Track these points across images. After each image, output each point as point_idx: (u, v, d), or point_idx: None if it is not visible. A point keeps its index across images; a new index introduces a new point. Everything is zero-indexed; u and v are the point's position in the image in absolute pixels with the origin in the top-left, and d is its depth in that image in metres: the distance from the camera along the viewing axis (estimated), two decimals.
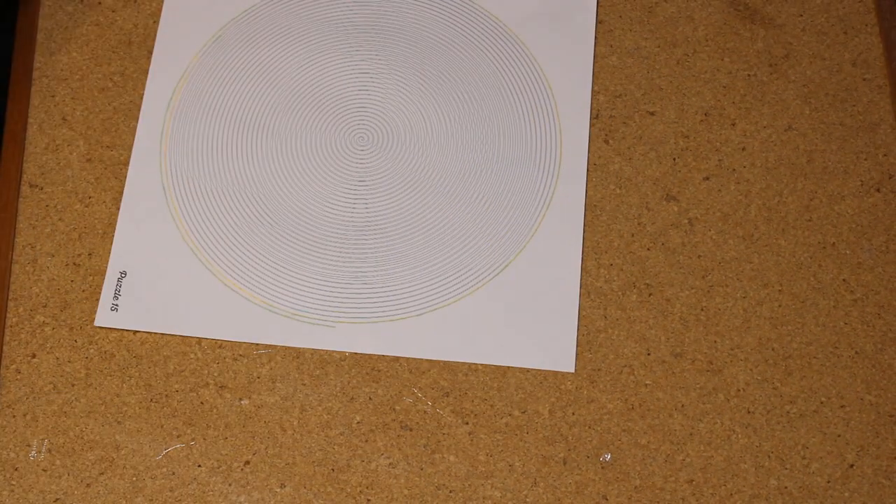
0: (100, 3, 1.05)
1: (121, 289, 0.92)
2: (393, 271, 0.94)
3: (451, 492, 0.86)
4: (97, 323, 0.91)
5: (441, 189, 0.97)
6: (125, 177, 0.97)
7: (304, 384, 0.89)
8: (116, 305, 0.91)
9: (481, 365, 0.90)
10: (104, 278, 0.92)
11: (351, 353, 0.90)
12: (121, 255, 0.93)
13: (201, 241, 0.94)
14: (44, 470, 0.87)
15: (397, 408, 0.89)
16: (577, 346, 0.91)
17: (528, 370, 0.90)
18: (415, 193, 0.97)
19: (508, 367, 0.90)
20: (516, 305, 0.92)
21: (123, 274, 0.92)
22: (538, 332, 0.91)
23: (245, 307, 0.92)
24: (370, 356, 0.90)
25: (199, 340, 0.91)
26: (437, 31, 1.04)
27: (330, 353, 0.90)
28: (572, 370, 0.90)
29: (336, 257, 0.94)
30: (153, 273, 0.93)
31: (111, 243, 0.94)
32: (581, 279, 0.93)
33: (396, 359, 0.90)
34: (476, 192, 0.97)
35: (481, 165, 0.98)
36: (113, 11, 1.04)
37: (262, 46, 1.02)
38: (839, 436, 0.88)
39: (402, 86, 1.01)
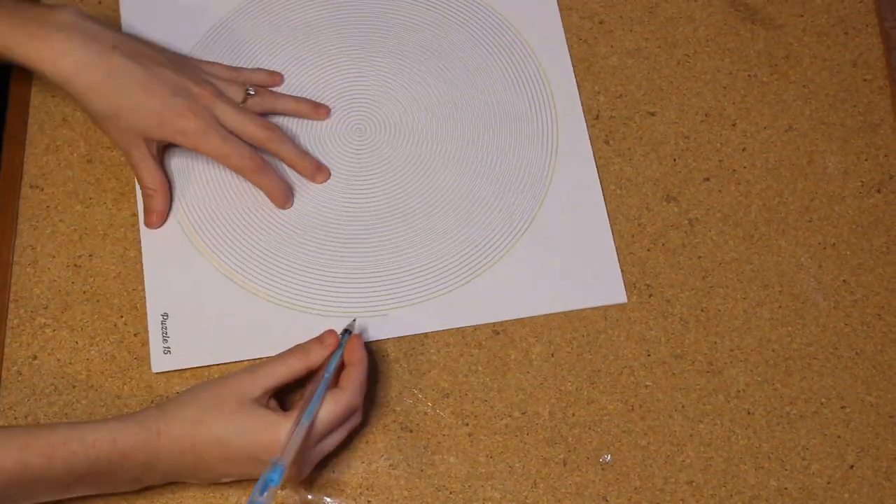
0: (100, 2, 1.05)
1: (167, 331, 0.91)
2: (427, 248, 0.94)
3: (451, 493, 0.86)
4: (154, 369, 0.90)
5: (448, 163, 0.98)
6: (126, 178, 0.97)
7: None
8: (168, 348, 0.90)
9: (482, 366, 0.90)
10: (147, 323, 0.91)
11: None
12: (156, 298, 0.92)
13: (230, 263, 0.94)
14: None
15: (398, 409, 0.89)
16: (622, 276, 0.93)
17: (527, 371, 0.90)
18: (421, 174, 0.97)
19: (509, 366, 0.90)
20: (553, 253, 0.94)
21: (165, 316, 0.91)
22: (582, 272, 0.93)
23: (290, 316, 0.92)
24: (371, 357, 0.90)
25: None
26: (428, 19, 1.04)
27: None
28: (625, 300, 0.92)
29: (366, 250, 0.94)
30: (192, 307, 0.92)
31: (111, 245, 0.94)
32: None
33: (397, 359, 0.90)
34: (484, 159, 0.98)
35: (481, 133, 0.99)
36: (113, 11, 1.04)
37: (254, 45, 1.02)
38: (839, 437, 0.88)
39: (397, 75, 1.02)
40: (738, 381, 0.90)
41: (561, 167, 0.97)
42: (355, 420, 0.84)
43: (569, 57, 1.02)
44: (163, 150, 0.95)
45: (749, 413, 0.89)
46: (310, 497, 0.86)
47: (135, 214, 0.95)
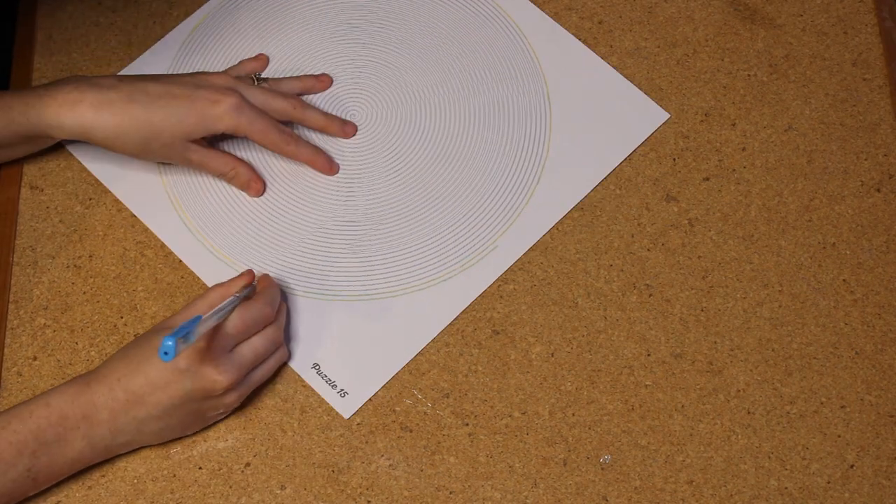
0: (100, 3, 1.05)
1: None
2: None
3: (451, 493, 0.86)
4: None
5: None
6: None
7: (304, 386, 0.90)
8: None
9: (482, 366, 0.90)
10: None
11: None
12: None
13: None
14: None
15: (397, 409, 0.89)
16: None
17: (527, 371, 0.90)
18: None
19: (509, 366, 0.90)
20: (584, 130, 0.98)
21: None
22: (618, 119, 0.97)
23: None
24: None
25: None
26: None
27: None
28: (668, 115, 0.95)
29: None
30: None
31: (111, 245, 0.94)
32: (581, 279, 0.93)
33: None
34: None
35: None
36: (113, 12, 1.04)
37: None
38: (839, 436, 0.88)
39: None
40: (738, 381, 0.90)
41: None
42: (274, 333, 0.86)
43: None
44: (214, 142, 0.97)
45: (749, 413, 0.89)
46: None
47: (134, 215, 0.95)
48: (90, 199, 0.96)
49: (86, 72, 1.01)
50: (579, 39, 1.02)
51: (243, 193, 0.96)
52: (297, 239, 0.95)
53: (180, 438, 0.87)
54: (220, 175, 0.95)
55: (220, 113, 0.90)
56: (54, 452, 0.81)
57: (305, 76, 1.00)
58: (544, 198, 0.96)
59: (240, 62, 1.00)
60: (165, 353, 0.73)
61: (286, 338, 0.90)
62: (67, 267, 0.94)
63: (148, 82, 0.91)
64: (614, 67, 1.01)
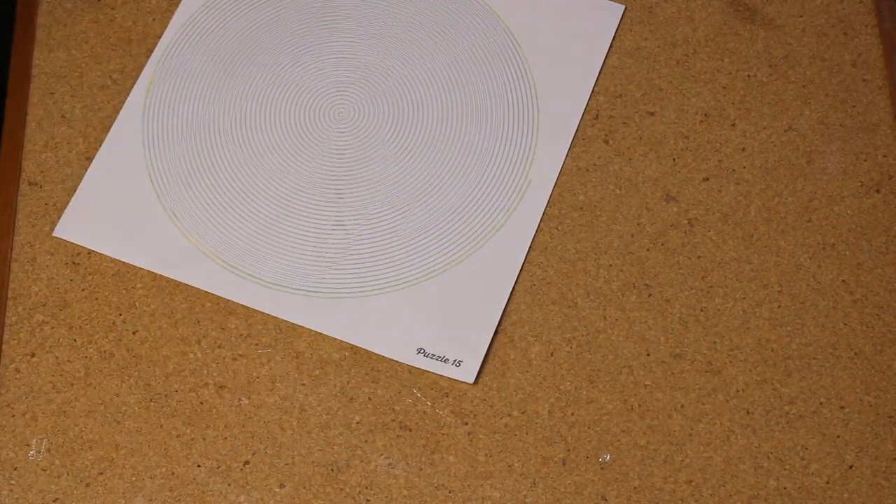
0: (99, 0, 1.04)
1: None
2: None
3: (450, 492, 0.86)
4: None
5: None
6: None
7: (304, 384, 0.89)
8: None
9: (481, 365, 0.90)
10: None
11: (351, 353, 0.90)
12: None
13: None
14: (43, 469, 0.87)
15: (397, 408, 0.89)
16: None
17: (526, 370, 0.90)
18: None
19: (508, 365, 0.90)
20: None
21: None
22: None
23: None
24: (370, 355, 0.90)
25: (199, 340, 0.91)
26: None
27: (330, 353, 0.90)
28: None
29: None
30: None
31: (108, 243, 0.94)
32: (581, 279, 0.93)
33: (396, 360, 0.90)
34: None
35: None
36: (112, 9, 1.04)
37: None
38: (838, 436, 0.88)
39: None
40: (737, 381, 0.90)
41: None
42: None
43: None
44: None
45: (748, 413, 0.89)
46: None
47: None
48: None
49: (85, 68, 1.01)
50: None
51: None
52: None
53: (178, 436, 0.87)
54: None
55: None
56: None
57: None
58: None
59: None
60: None
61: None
62: (66, 264, 0.93)
63: None
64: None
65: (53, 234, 0.93)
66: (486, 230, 0.95)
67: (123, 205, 0.95)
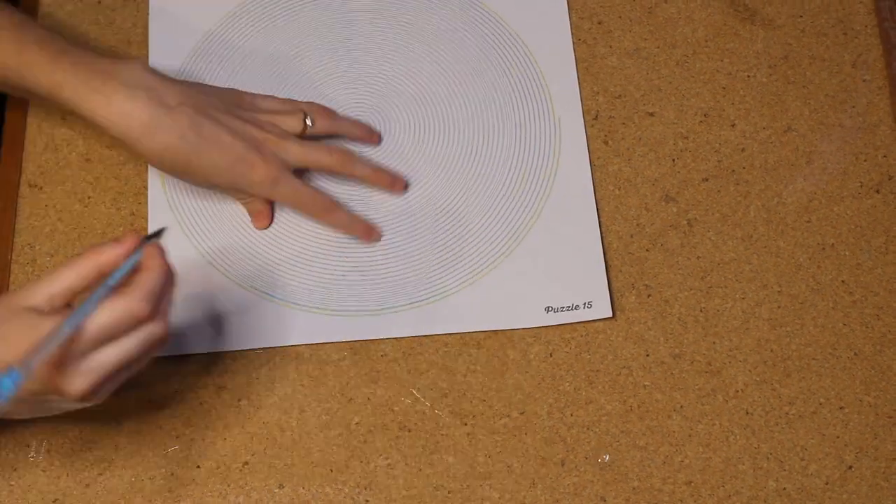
0: (99, 2, 1.05)
1: None
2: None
3: (449, 492, 0.86)
4: None
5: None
6: (125, 177, 0.97)
7: (303, 385, 0.90)
8: None
9: (480, 366, 0.90)
10: None
11: (350, 354, 0.90)
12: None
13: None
14: (43, 470, 0.87)
15: (396, 409, 0.89)
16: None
17: (526, 371, 0.90)
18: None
19: (507, 366, 0.90)
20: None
21: None
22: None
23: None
24: (369, 357, 0.90)
25: None
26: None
27: (329, 353, 0.90)
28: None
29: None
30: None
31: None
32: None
33: (395, 359, 0.90)
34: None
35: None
36: (112, 11, 1.04)
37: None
38: (838, 437, 0.88)
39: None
40: (736, 382, 0.90)
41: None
42: (151, 331, 0.73)
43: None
44: None
45: (748, 413, 0.89)
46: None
47: (133, 213, 0.96)
48: (89, 198, 0.96)
49: None
50: (578, 39, 1.02)
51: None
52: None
53: (178, 437, 0.87)
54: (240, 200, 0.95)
55: (256, 181, 0.90)
56: None
57: (360, 124, 0.98)
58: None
59: (310, 102, 0.97)
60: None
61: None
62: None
63: (206, 116, 0.89)
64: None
65: None
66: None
67: None
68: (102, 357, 0.72)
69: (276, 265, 0.94)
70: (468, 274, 0.94)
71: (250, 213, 0.95)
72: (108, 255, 0.74)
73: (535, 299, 0.92)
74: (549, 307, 0.92)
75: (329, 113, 0.97)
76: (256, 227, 0.95)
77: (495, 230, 0.95)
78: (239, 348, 0.90)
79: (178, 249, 0.94)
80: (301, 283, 0.93)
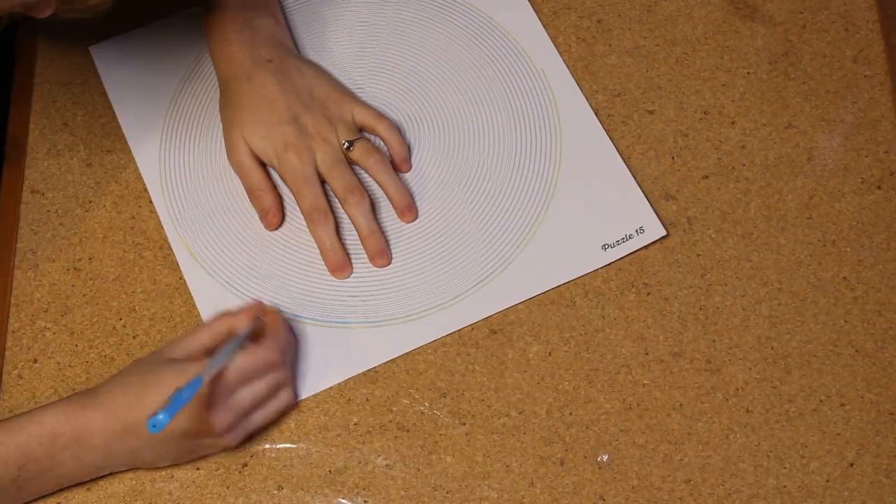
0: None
1: None
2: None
3: (448, 492, 0.86)
4: None
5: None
6: (125, 181, 0.97)
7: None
8: None
9: (479, 365, 0.90)
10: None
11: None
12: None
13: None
14: None
15: (394, 409, 0.89)
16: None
17: (525, 370, 0.90)
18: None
19: (506, 365, 0.90)
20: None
21: None
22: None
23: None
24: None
25: None
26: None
27: None
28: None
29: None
30: None
31: (110, 248, 0.95)
32: (579, 277, 0.93)
33: (394, 360, 0.90)
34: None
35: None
36: (113, 17, 1.04)
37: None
38: (839, 434, 0.88)
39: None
40: (736, 380, 0.90)
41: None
42: (278, 377, 0.86)
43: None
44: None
45: (748, 411, 0.89)
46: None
47: (134, 217, 0.96)
48: (90, 203, 0.97)
49: (87, 76, 1.02)
50: (577, 37, 1.02)
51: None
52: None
53: None
54: (249, 188, 0.96)
55: (281, 158, 0.94)
56: (43, 468, 0.82)
57: (394, 178, 0.97)
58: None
59: (386, 122, 0.98)
60: (154, 426, 0.75)
61: (295, 372, 0.90)
62: (67, 270, 0.94)
63: (280, 80, 0.96)
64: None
65: None
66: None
67: None
68: (240, 397, 0.84)
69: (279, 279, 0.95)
70: (516, 242, 0.95)
71: (261, 210, 0.95)
72: (236, 319, 0.86)
73: (590, 241, 0.94)
74: (605, 244, 0.94)
75: (376, 149, 0.97)
76: (266, 227, 0.95)
77: (525, 191, 0.97)
78: (319, 389, 0.90)
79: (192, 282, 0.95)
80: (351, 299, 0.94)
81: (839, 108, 0.99)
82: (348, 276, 0.94)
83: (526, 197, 0.96)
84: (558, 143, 0.98)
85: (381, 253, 0.94)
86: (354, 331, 0.92)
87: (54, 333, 0.92)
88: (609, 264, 0.93)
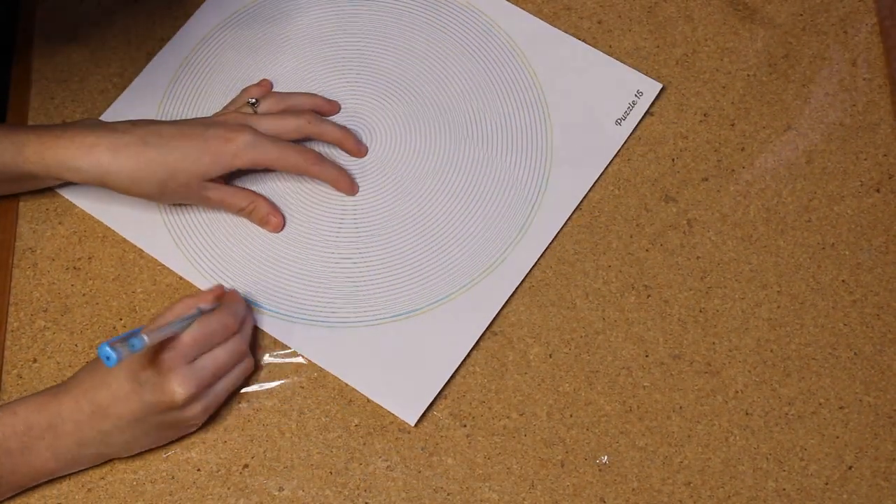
0: (99, 4, 1.05)
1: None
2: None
3: (448, 494, 0.86)
4: None
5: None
6: None
7: (303, 387, 0.90)
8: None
9: (479, 367, 0.90)
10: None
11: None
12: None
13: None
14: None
15: None
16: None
17: (525, 372, 0.90)
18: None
19: (507, 367, 0.90)
20: None
21: None
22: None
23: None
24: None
25: None
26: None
27: None
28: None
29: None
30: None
31: (110, 247, 0.94)
32: (580, 280, 0.93)
33: None
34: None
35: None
36: (112, 13, 1.04)
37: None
38: (838, 437, 0.88)
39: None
40: (736, 382, 0.90)
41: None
42: (237, 343, 0.86)
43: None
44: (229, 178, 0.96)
45: (747, 414, 0.89)
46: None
47: None
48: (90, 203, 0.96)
49: (85, 72, 1.01)
50: (578, 39, 1.02)
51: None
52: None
53: (179, 440, 0.87)
54: (240, 211, 0.94)
55: (235, 150, 0.90)
56: (18, 461, 0.82)
57: (316, 95, 0.99)
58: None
59: (243, 90, 0.98)
60: (107, 359, 0.75)
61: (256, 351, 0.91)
62: (67, 269, 0.94)
63: (161, 125, 0.90)
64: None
65: None
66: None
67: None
68: (201, 363, 0.83)
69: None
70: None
71: (260, 222, 0.95)
72: (199, 298, 0.86)
73: (605, 115, 0.99)
74: (617, 119, 0.98)
75: (274, 92, 0.97)
76: (271, 230, 0.95)
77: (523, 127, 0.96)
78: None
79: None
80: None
81: (838, 111, 1.00)
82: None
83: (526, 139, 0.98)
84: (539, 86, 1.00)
85: (360, 144, 0.98)
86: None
87: (54, 333, 0.92)
88: (608, 269, 0.94)
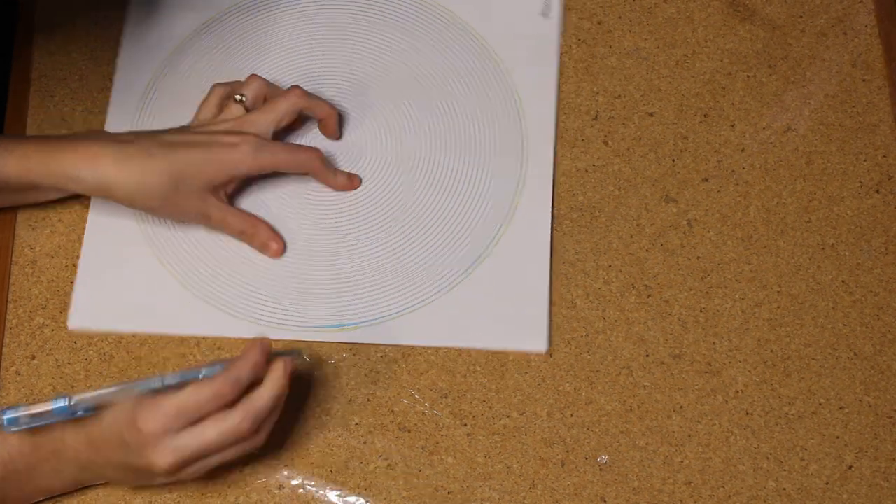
0: (99, 2, 1.05)
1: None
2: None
3: (449, 493, 0.86)
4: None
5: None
6: None
7: (303, 385, 0.90)
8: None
9: (480, 366, 0.90)
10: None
11: (350, 355, 0.90)
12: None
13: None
14: None
15: (395, 409, 0.89)
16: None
17: (526, 372, 0.90)
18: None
19: (507, 366, 0.90)
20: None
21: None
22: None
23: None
24: (368, 358, 0.90)
25: (199, 342, 0.91)
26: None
27: (329, 354, 0.90)
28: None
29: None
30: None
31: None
32: (580, 280, 0.93)
33: (395, 360, 0.90)
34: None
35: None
36: (111, 11, 1.04)
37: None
38: (838, 437, 0.88)
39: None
40: (736, 382, 0.90)
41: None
42: (247, 445, 0.80)
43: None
44: (231, 198, 0.94)
45: (747, 413, 0.89)
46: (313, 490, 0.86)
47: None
48: (88, 199, 0.96)
49: (85, 71, 1.01)
50: (578, 39, 1.02)
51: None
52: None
53: None
54: (240, 234, 0.93)
55: (241, 156, 0.89)
56: (24, 480, 0.81)
57: (294, 87, 0.96)
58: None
59: (213, 88, 0.96)
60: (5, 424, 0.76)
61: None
62: (66, 266, 0.94)
63: (164, 134, 0.89)
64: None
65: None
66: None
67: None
68: (184, 438, 0.77)
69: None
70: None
71: (260, 247, 0.93)
72: (238, 360, 0.80)
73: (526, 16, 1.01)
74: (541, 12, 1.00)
75: (261, 82, 0.95)
76: (271, 256, 0.93)
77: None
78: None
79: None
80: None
81: (838, 112, 1.00)
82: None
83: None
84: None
85: (339, 128, 0.98)
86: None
87: (52, 330, 0.91)
88: (608, 269, 0.94)
